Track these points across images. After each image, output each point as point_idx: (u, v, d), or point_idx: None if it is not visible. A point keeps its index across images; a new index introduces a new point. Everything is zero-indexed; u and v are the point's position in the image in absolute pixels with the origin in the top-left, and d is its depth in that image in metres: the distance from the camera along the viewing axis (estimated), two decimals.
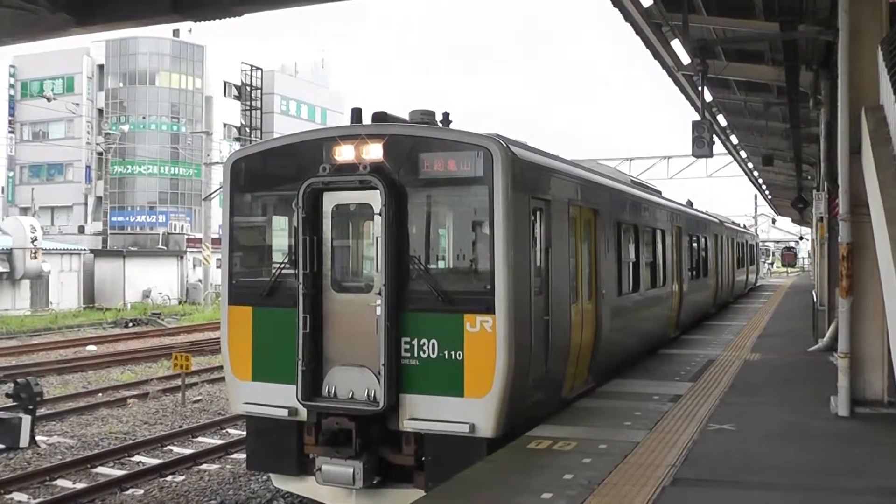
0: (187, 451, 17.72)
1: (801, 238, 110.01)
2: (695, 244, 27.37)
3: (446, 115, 13.07)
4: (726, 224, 39.46)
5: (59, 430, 19.85)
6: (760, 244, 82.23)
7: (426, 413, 11.27)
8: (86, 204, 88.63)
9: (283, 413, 11.96)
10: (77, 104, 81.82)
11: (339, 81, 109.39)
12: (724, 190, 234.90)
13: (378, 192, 11.35)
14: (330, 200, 12.02)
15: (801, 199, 43.08)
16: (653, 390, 14.96)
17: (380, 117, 12.24)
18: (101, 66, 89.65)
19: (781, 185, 53.00)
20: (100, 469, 16.42)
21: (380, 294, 11.38)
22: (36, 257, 52.47)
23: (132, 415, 21.61)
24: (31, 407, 17.83)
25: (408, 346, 11.38)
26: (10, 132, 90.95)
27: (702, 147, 19.63)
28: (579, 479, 9.38)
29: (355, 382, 11.60)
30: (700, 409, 13.21)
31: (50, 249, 55.77)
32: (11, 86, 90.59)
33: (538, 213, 12.39)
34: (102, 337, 40.44)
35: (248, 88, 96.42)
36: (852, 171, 12.62)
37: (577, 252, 14.16)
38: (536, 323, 11.98)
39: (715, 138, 30.01)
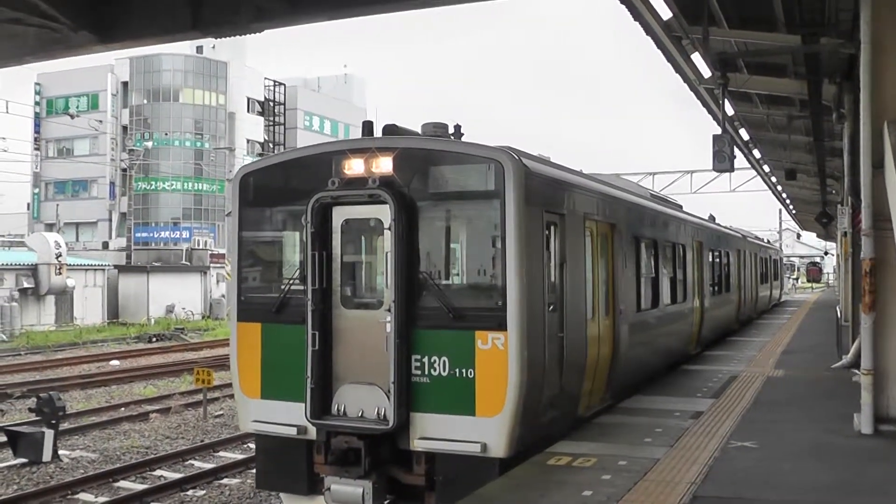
0: (208, 466, 17.76)
1: (826, 253, 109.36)
2: (717, 259, 27.05)
3: (458, 127, 12.85)
4: (749, 239, 38.91)
5: (82, 444, 19.92)
6: (785, 259, 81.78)
7: (437, 432, 11.05)
8: (110, 220, 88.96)
9: (292, 431, 11.79)
10: (101, 121, 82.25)
11: (361, 97, 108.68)
12: (748, 204, 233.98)
13: (388, 206, 11.17)
14: (339, 215, 11.85)
15: (825, 213, 42.76)
16: (674, 406, 14.87)
17: (390, 130, 12.10)
18: (125, 84, 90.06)
19: (805, 200, 52.67)
20: (121, 483, 16.47)
21: (389, 310, 11.18)
22: (61, 273, 52.76)
23: (154, 429, 21.67)
24: (53, 421, 17.90)
25: (418, 364, 11.15)
26: (35, 149, 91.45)
27: (723, 161, 19.49)
28: (598, 496, 9.32)
29: (365, 401, 11.40)
30: (722, 426, 13.10)
31: (74, 265, 56.05)
32: (37, 103, 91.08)
33: (552, 228, 12.20)
34: (126, 352, 40.63)
35: (272, 104, 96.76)
36: (875, 186, 12.51)
37: (593, 267, 13.95)
38: (550, 340, 11.76)
39: (737, 152, 29.94)
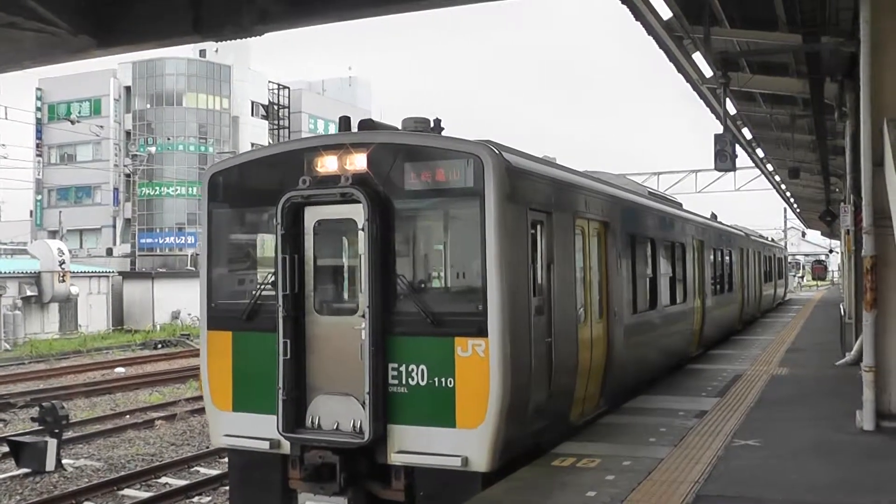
0: (214, 472, 17.69)
1: (831, 251, 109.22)
2: (718, 258, 26.69)
3: (437, 121, 11.93)
4: (752, 237, 38.67)
5: (86, 452, 19.90)
6: (790, 257, 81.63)
7: (415, 445, 10.45)
8: (114, 226, 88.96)
9: (265, 445, 11.21)
10: (102, 126, 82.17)
11: (366, 100, 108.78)
12: (753, 203, 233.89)
13: (361, 205, 10.61)
14: (312, 216, 11.26)
15: (829, 211, 42.70)
16: (678, 406, 14.88)
17: (366, 125, 11.68)
18: (127, 88, 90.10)
19: (809, 198, 52.66)
20: (126, 491, 16.43)
21: (364, 316, 10.60)
22: (64, 280, 52.73)
23: (159, 436, 21.65)
24: (56, 430, 17.87)
25: (395, 373, 10.56)
26: (37, 155, 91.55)
27: (724, 160, 19.47)
28: (602, 496, 9.33)
29: (340, 412, 10.84)
30: (726, 425, 13.11)
31: (78, 272, 56.02)
32: (38, 109, 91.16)
33: (539, 227, 11.62)
34: (131, 359, 40.59)
35: (276, 107, 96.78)
36: (875, 184, 12.52)
37: (585, 268, 13.41)
38: (537, 345, 11.16)
39: (740, 151, 29.93)
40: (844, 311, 25.10)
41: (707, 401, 15.44)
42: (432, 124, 11.92)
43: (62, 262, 52.84)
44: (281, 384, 10.91)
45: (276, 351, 10.96)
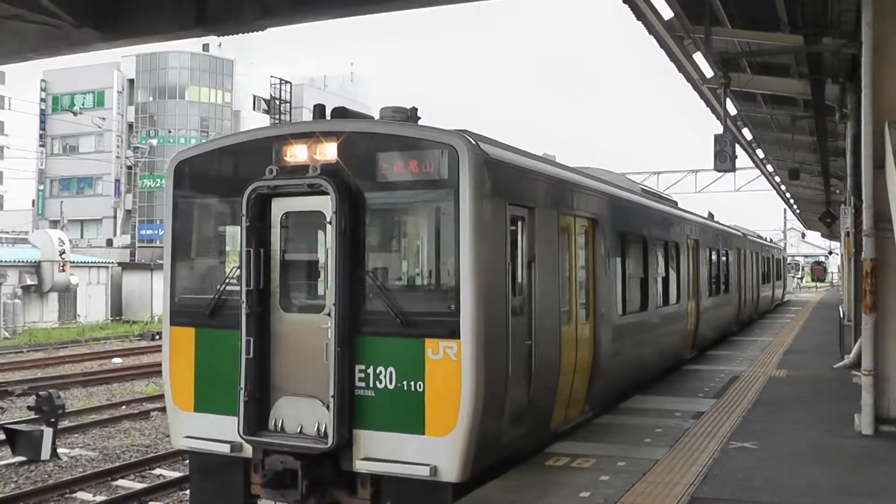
0: None
1: (830, 253, 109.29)
2: (714, 258, 26.18)
3: (415, 110, 11.12)
4: (750, 237, 38.04)
5: (82, 442, 19.87)
6: (789, 258, 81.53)
7: (382, 452, 9.82)
8: (115, 217, 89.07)
9: (226, 449, 10.57)
10: (104, 118, 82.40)
11: (367, 95, 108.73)
12: (753, 204, 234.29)
13: (329, 197, 9.99)
14: (279, 207, 10.64)
15: (829, 213, 42.71)
16: (675, 407, 14.86)
17: (340, 113, 11.06)
18: (131, 81, 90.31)
19: (809, 200, 52.72)
20: (120, 482, 16.38)
21: (330, 315, 9.98)
22: (64, 270, 52.71)
23: (155, 427, 21.62)
24: (52, 420, 17.85)
25: (362, 375, 9.94)
26: (40, 146, 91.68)
27: (724, 161, 19.45)
28: (596, 497, 9.30)
29: (305, 415, 10.20)
30: (722, 427, 13.08)
31: (78, 262, 56.00)
32: (42, 100, 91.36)
33: (519, 223, 11.00)
34: (128, 349, 40.58)
35: (277, 102, 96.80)
36: (876, 186, 12.49)
37: (569, 267, 12.73)
38: (515, 348, 10.50)
39: (741, 152, 29.91)
40: (843, 314, 25.11)
41: (704, 402, 15.42)
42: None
43: (62, 252, 52.83)
44: (243, 384, 10.31)
45: (239, 349, 10.43)
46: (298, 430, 10.22)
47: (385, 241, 10.81)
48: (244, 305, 10.37)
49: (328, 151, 10.25)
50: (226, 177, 11.44)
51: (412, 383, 9.72)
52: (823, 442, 12.25)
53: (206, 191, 11.64)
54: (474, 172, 9.66)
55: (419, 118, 11.10)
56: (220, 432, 10.63)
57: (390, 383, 9.82)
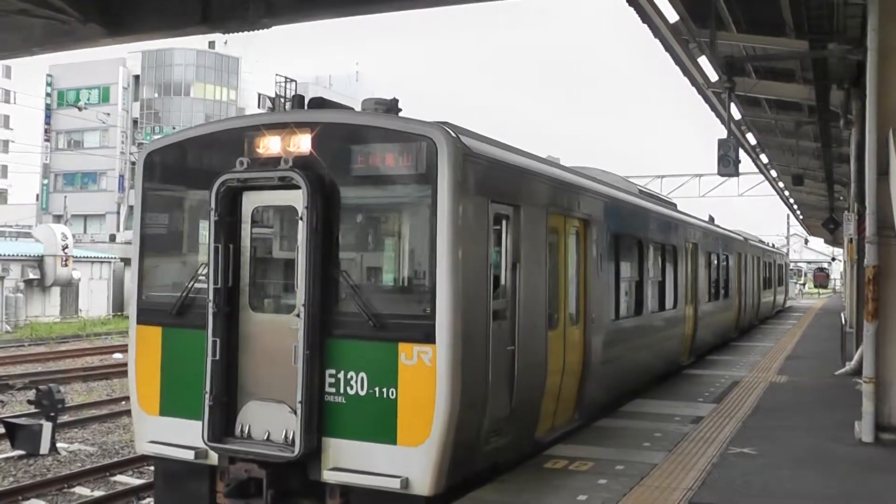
0: None
1: (833, 259, 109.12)
2: (714, 263, 25.68)
3: (395, 102, 10.41)
4: (751, 242, 37.41)
5: (81, 437, 19.85)
6: (792, 264, 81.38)
7: (352, 462, 9.29)
8: (118, 213, 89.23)
9: (190, 455, 10.03)
10: (108, 114, 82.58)
11: (372, 94, 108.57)
12: (757, 209, 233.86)
13: (301, 191, 9.48)
14: (250, 202, 10.12)
15: (832, 219, 42.57)
16: (675, 411, 14.83)
17: (317, 104, 10.57)
18: (136, 77, 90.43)
19: (813, 205, 52.71)
20: (118, 477, 16.36)
21: (300, 315, 9.47)
22: (66, 265, 52.75)
23: None
24: (52, 414, 17.84)
25: (332, 381, 9.41)
26: (45, 140, 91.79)
27: (727, 165, 19.36)
28: (593, 500, 9.27)
29: (272, 421, 9.67)
30: (721, 432, 13.04)
31: (80, 257, 56.05)
32: (48, 95, 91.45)
33: (504, 222, 10.44)
34: None
35: (282, 100, 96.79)
36: (880, 193, 12.44)
37: (558, 269, 12.22)
38: (497, 354, 9.98)
39: (744, 157, 29.85)
40: (845, 321, 25.06)
41: (704, 407, 15.39)
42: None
43: (65, 247, 52.87)
44: (208, 388, 9.77)
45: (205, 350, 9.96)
46: (265, 437, 9.72)
47: (359, 239, 10.32)
48: (211, 304, 9.86)
49: (302, 143, 9.78)
50: (196, 168, 10.95)
51: (384, 390, 9.21)
52: (823, 449, 12.21)
53: (176, 183, 11.28)
54: (454, 167, 9.15)
55: (400, 110, 10.44)
56: (185, 438, 10.14)
57: (361, 389, 9.31)
